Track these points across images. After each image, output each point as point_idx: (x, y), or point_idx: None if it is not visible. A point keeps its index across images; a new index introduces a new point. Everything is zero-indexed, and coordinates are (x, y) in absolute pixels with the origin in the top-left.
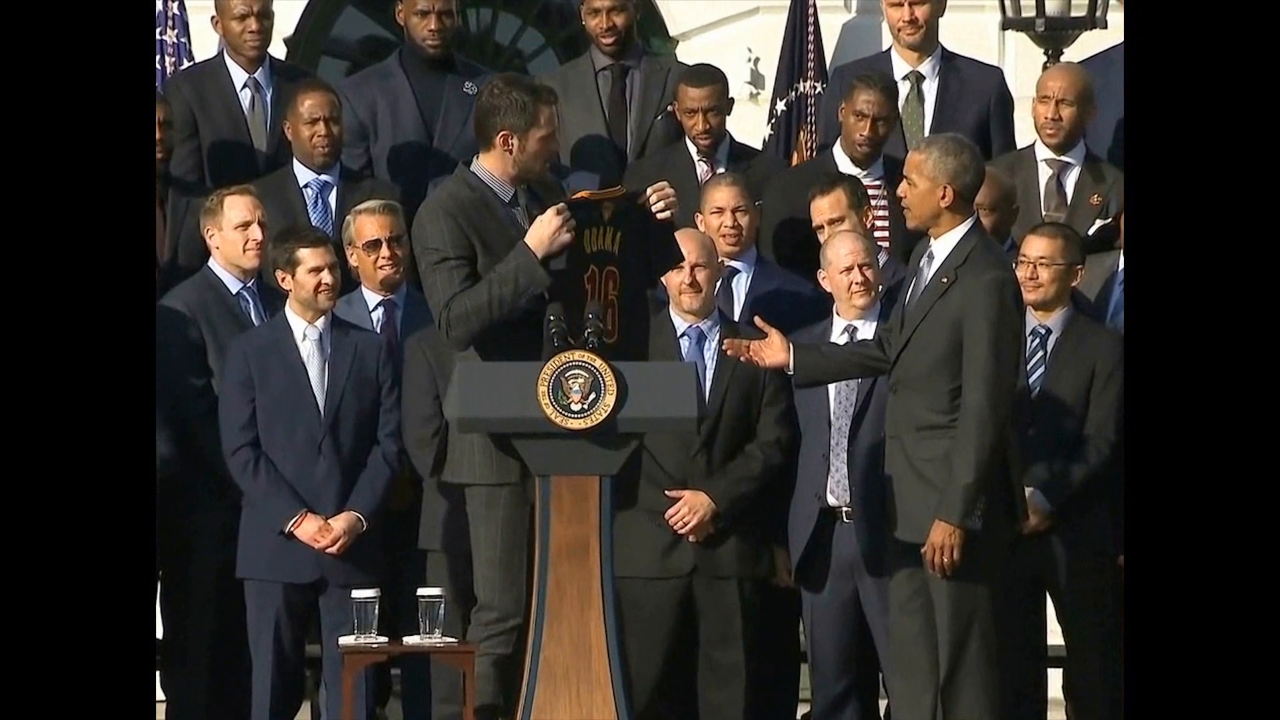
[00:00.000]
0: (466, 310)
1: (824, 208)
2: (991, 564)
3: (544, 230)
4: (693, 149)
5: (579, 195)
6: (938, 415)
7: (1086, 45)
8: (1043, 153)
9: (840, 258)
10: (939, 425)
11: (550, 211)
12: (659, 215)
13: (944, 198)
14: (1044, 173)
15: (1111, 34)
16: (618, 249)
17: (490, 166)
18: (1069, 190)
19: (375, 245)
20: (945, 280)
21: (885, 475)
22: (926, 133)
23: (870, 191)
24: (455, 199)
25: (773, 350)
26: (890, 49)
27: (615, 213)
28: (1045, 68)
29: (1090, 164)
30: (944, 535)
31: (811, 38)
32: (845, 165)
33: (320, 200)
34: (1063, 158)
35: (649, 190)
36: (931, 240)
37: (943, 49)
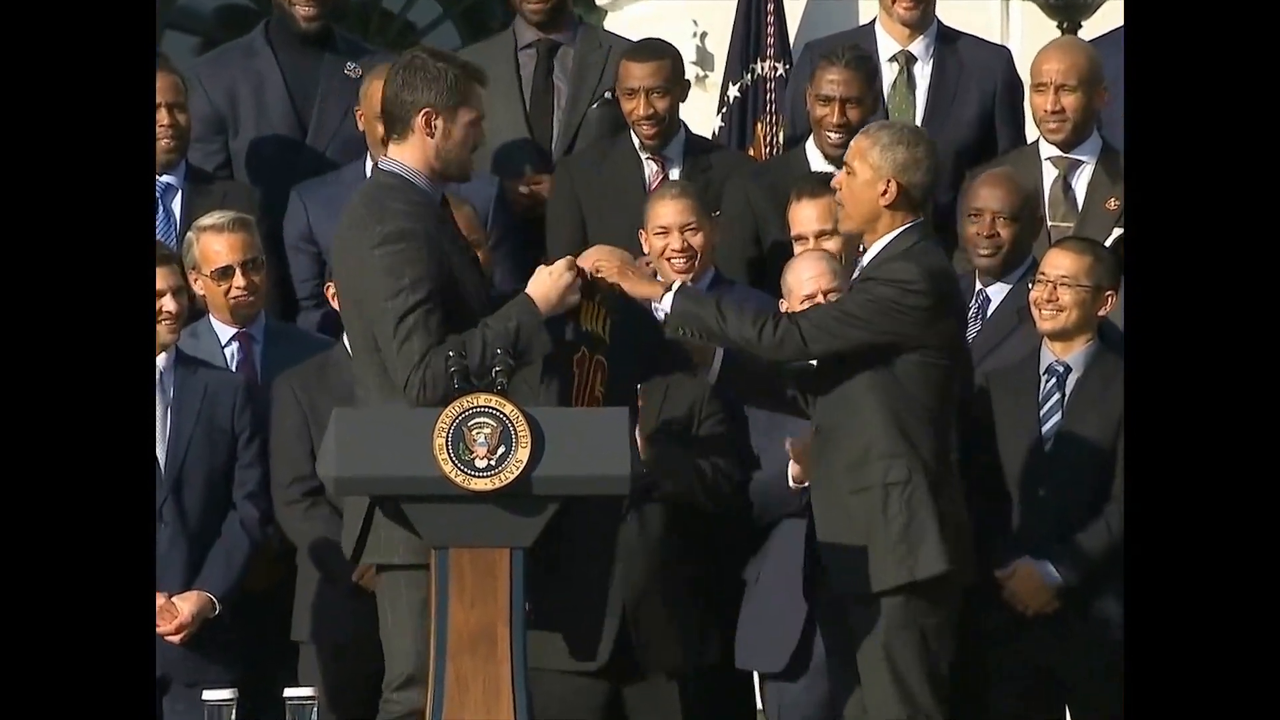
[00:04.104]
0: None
1: (810, 217)
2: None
3: (556, 283)
4: (638, 143)
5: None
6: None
7: (1110, 17)
8: (1047, 150)
9: (802, 284)
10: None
11: (562, 262)
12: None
13: (885, 193)
14: (1049, 174)
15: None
16: (608, 336)
17: (410, 160)
18: (1079, 193)
19: (227, 273)
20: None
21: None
22: (919, 124)
23: None
24: (417, 210)
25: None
26: (874, 23)
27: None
28: None
29: (1106, 158)
30: None
31: (771, 9)
32: (819, 162)
33: (161, 206)
34: (1071, 155)
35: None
36: (865, 249)
37: (940, 25)
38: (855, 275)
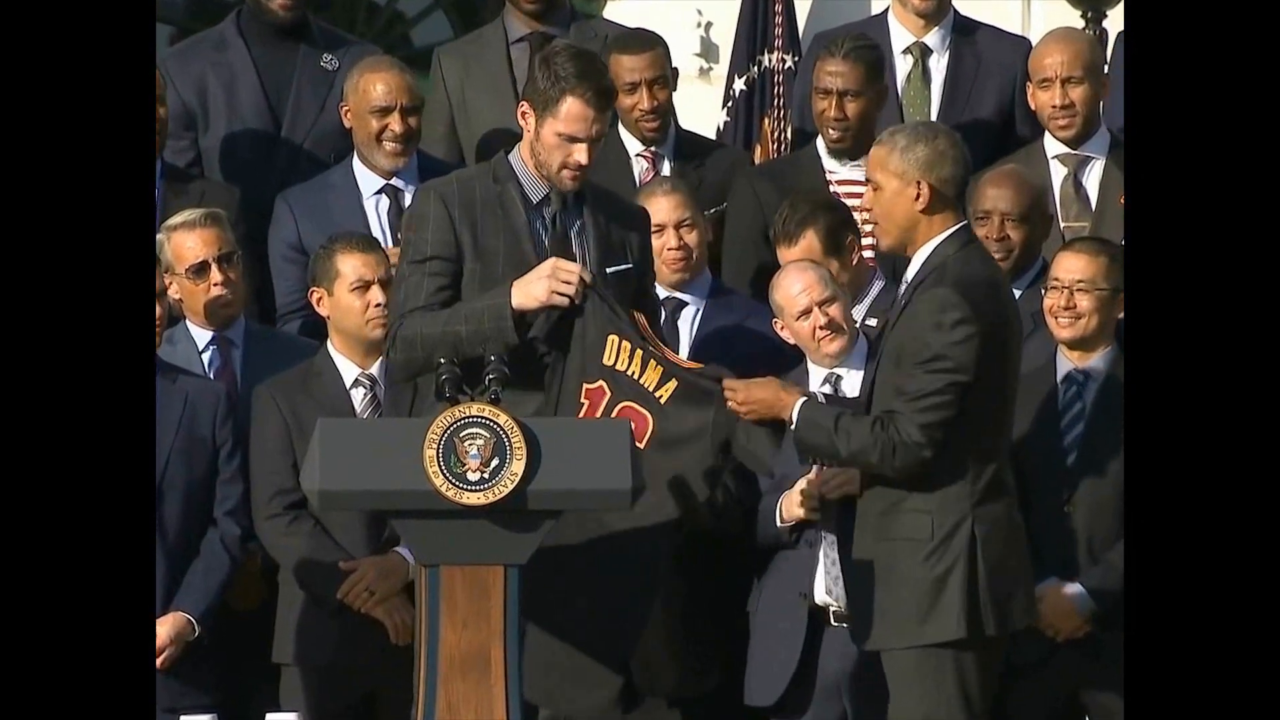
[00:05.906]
0: (416, 335)
1: (792, 258)
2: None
3: (531, 277)
4: (629, 142)
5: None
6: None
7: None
8: (1054, 147)
9: (793, 300)
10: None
11: (550, 261)
12: None
13: (918, 198)
14: (1058, 172)
15: None
16: (665, 396)
17: (524, 153)
18: (1091, 191)
19: (202, 270)
20: (904, 304)
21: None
22: (934, 120)
23: (858, 189)
24: (462, 185)
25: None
26: (887, 13)
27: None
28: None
29: (1116, 153)
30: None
31: None
32: (830, 160)
33: None
34: (1080, 151)
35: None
36: (911, 260)
37: (957, 16)
38: (902, 290)
